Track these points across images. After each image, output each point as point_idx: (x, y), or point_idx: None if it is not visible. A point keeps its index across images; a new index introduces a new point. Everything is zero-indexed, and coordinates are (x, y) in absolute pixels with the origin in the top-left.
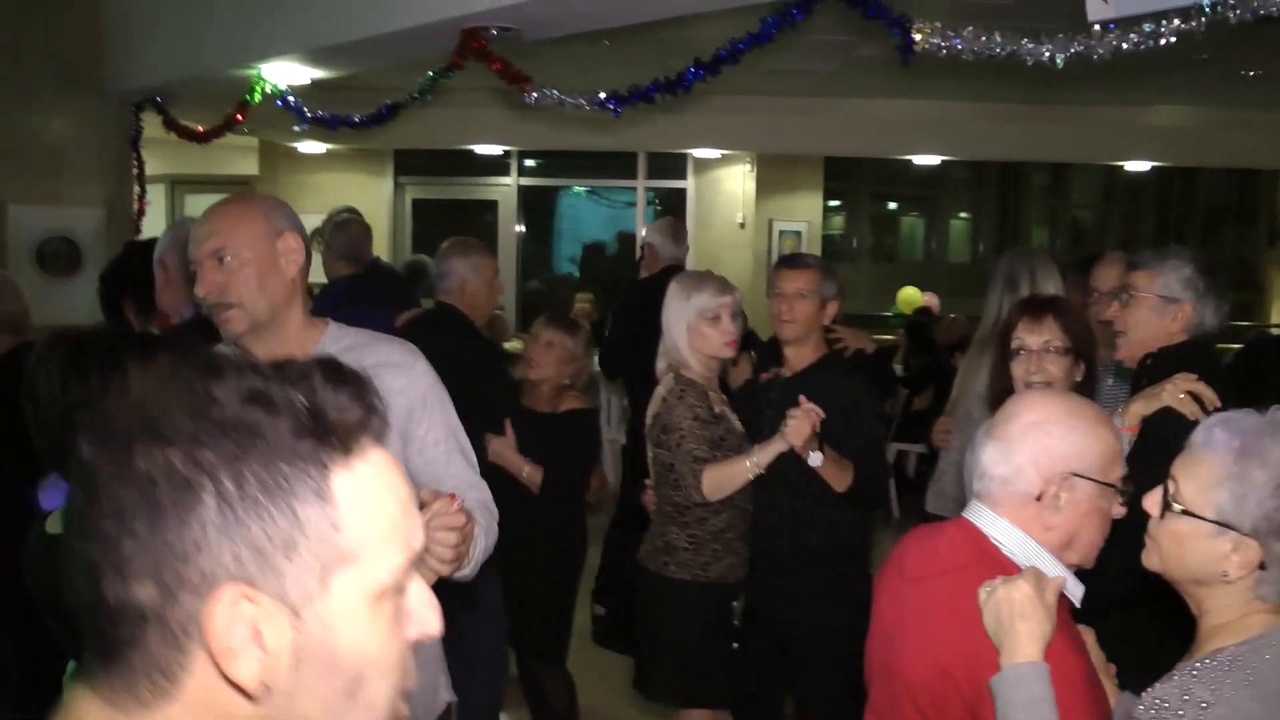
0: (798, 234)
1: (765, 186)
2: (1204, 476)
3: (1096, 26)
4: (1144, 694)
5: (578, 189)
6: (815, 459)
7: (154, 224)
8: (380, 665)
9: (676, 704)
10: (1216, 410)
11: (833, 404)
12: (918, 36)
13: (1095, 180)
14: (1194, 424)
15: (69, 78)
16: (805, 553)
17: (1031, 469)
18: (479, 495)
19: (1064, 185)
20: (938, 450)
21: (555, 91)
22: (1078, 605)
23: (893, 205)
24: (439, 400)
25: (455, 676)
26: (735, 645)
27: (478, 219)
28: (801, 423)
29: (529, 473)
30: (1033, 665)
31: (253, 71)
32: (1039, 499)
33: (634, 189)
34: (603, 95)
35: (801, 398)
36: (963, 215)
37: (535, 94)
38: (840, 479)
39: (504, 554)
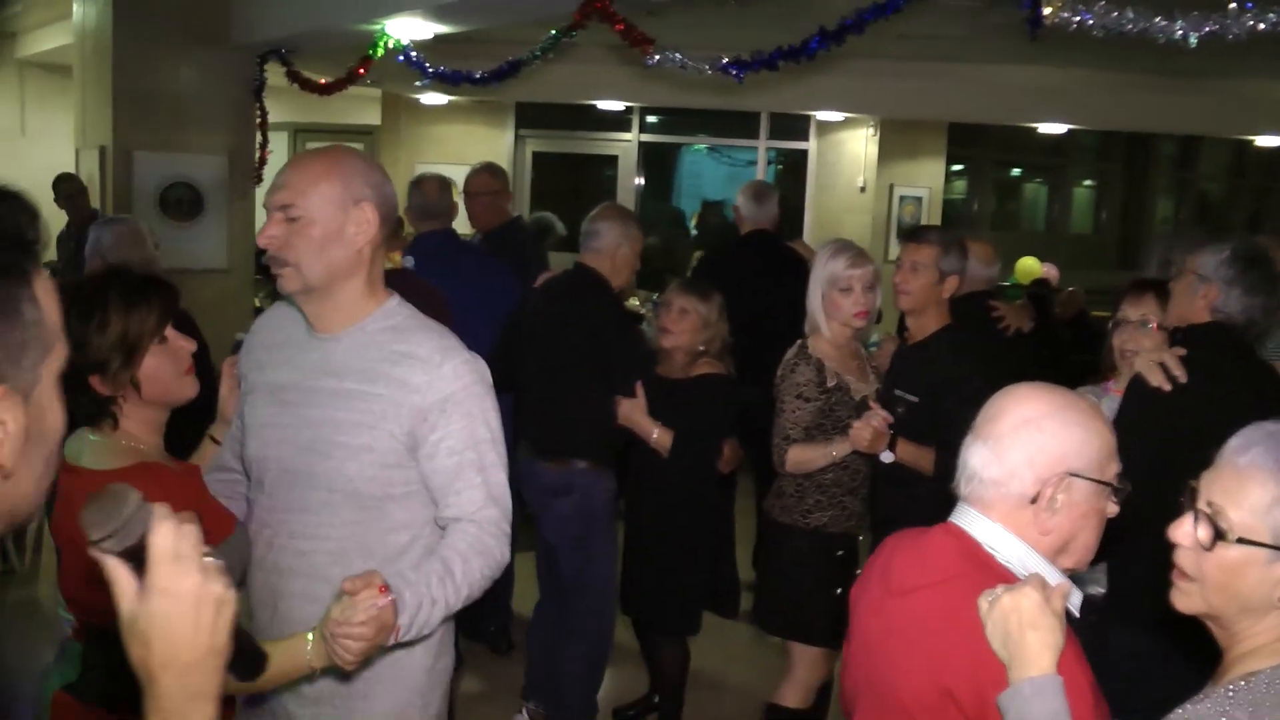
0: (918, 200)
1: (887, 151)
2: (1255, 498)
3: (1233, 4)
4: (1173, 714)
5: (699, 147)
6: (886, 457)
7: (275, 171)
8: (60, 432)
9: (782, 635)
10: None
11: (936, 378)
12: (1047, 10)
13: (1225, 153)
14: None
15: (194, 29)
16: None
17: (1026, 469)
18: (476, 531)
19: (1192, 157)
20: None
21: (678, 54)
22: (1076, 614)
23: (1016, 172)
24: (465, 408)
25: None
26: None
27: (598, 174)
28: (861, 430)
29: (658, 436)
30: (1049, 678)
31: (376, 26)
32: (1034, 501)
33: (755, 149)
34: (725, 60)
35: (872, 402)
36: (1087, 184)
37: (657, 56)
38: (924, 465)
39: (634, 518)
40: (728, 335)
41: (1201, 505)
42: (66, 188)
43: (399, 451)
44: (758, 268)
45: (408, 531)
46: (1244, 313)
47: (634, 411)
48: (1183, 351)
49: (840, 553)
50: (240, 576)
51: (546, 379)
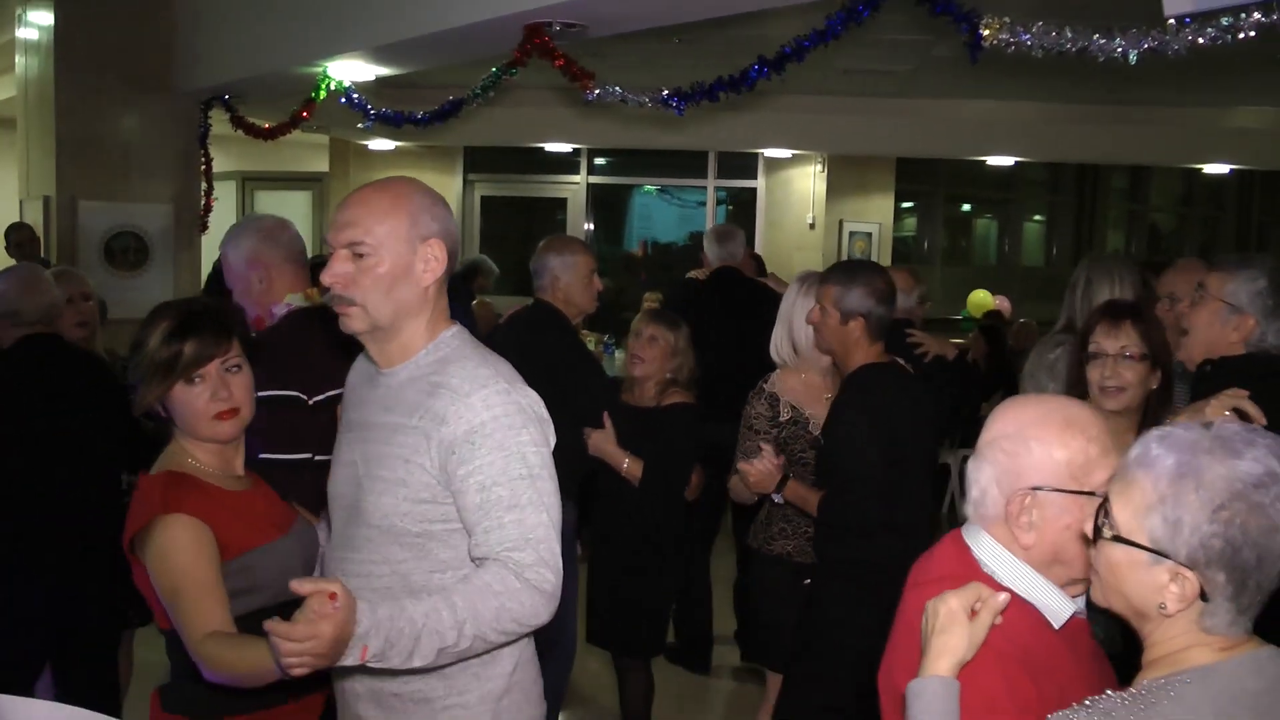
0: (869, 235)
1: (836, 187)
2: (1137, 500)
3: (1172, 21)
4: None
5: (649, 188)
6: (777, 498)
7: (222, 220)
8: None
9: (755, 661)
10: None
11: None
12: (986, 32)
13: (1174, 183)
14: None
15: (138, 76)
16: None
17: (994, 489)
18: (498, 571)
19: (1142, 188)
20: None
21: (618, 88)
22: (1056, 626)
23: (966, 207)
24: (495, 441)
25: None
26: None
27: (547, 217)
28: (746, 470)
29: (629, 465)
30: (932, 680)
31: (318, 69)
32: (1007, 519)
33: (704, 188)
34: (665, 92)
35: (762, 444)
36: (1037, 218)
37: (597, 90)
38: (810, 507)
39: (603, 547)
40: (694, 365)
41: (1104, 503)
42: (17, 235)
43: (433, 486)
44: (725, 305)
45: (455, 572)
46: None
47: (604, 442)
48: (1245, 393)
49: (808, 581)
50: (277, 587)
51: None
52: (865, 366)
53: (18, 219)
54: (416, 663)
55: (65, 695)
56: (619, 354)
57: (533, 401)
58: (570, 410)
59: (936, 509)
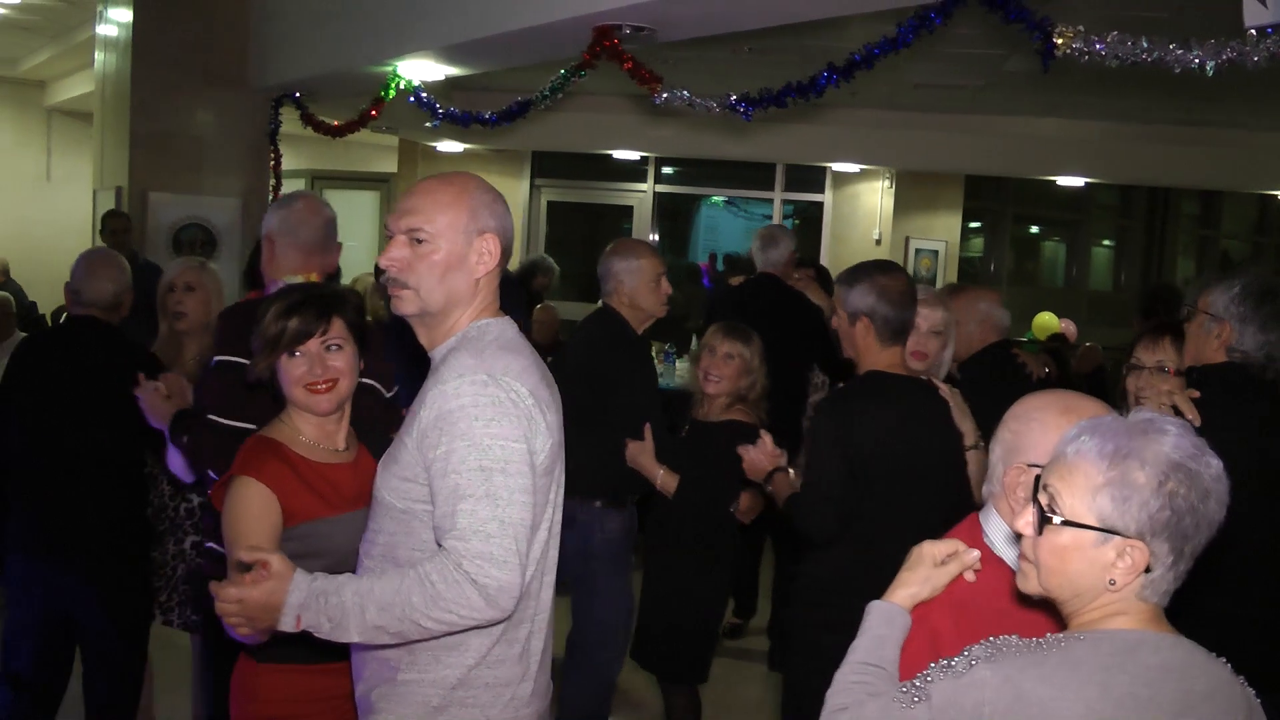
0: (934, 253)
1: (903, 203)
2: (1082, 484)
3: (1252, 33)
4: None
5: (715, 199)
6: (769, 488)
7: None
8: None
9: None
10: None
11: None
12: (1059, 41)
13: (1247, 210)
14: None
15: (211, 73)
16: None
17: (999, 466)
18: (441, 562)
19: (1214, 214)
20: None
21: (685, 92)
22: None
23: (1034, 229)
24: (460, 429)
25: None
26: None
27: (613, 224)
28: (743, 453)
29: (663, 479)
30: (888, 605)
31: (388, 68)
32: (1005, 493)
33: (771, 201)
34: (733, 98)
35: (764, 436)
36: (1106, 243)
37: (665, 94)
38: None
39: (652, 563)
40: (766, 381)
41: (1040, 494)
42: (112, 224)
43: (413, 466)
44: (761, 313)
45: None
46: (1260, 349)
47: (640, 454)
48: (1196, 394)
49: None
50: (339, 555)
51: (568, 416)
52: (867, 373)
53: (92, 209)
54: (354, 636)
55: (92, 689)
56: (680, 364)
57: (518, 396)
58: (610, 418)
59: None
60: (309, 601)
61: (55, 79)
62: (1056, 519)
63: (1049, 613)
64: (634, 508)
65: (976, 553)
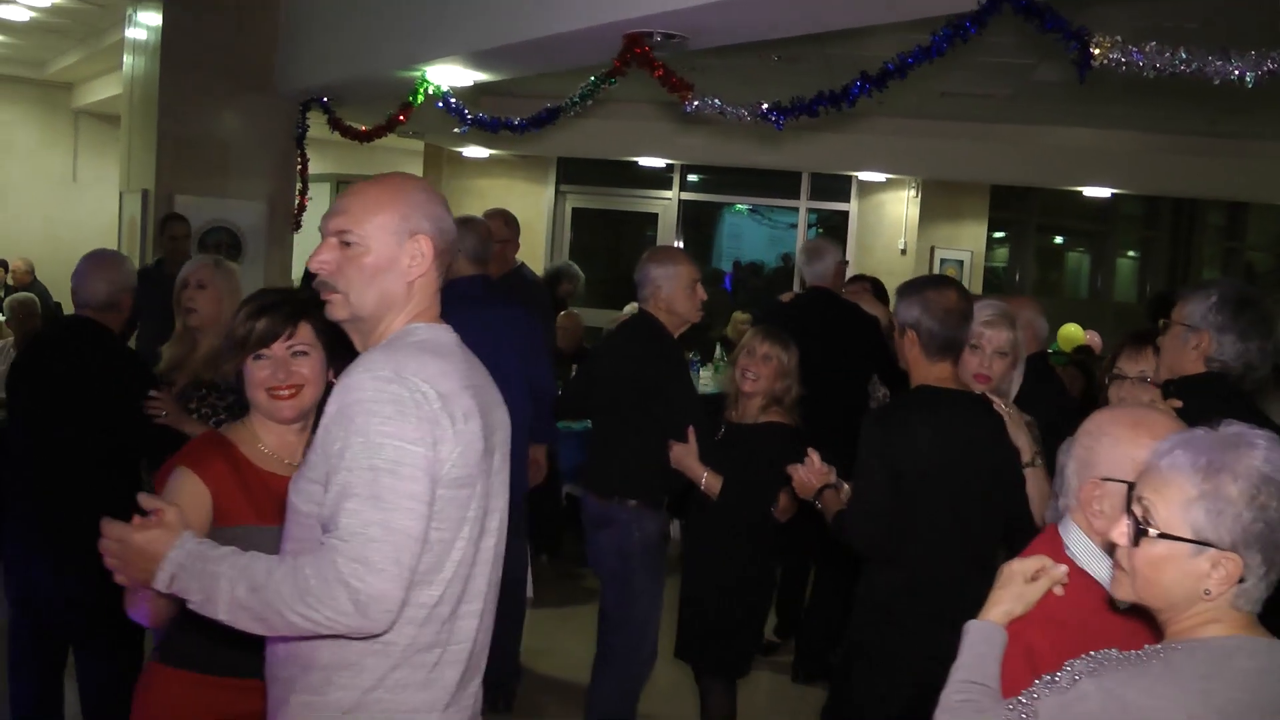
0: (960, 263)
1: (929, 213)
2: (1176, 497)
3: None
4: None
5: (740, 207)
6: (819, 505)
7: (314, 220)
8: None
9: None
10: None
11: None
12: (1096, 51)
13: (1272, 222)
14: None
15: (239, 76)
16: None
17: (1073, 479)
18: (312, 558)
19: (1240, 226)
20: None
21: (717, 100)
22: (1122, 608)
23: (1058, 239)
24: (356, 425)
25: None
26: None
27: (637, 231)
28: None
29: (707, 480)
30: (984, 624)
31: (417, 73)
32: (1081, 507)
33: (795, 209)
34: (765, 106)
35: (812, 455)
36: (1130, 254)
37: (696, 102)
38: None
39: (693, 562)
40: (800, 388)
41: (1134, 506)
42: (173, 228)
43: (318, 467)
44: (816, 327)
45: None
46: (1239, 358)
47: (685, 456)
48: (1178, 404)
49: None
50: None
51: (603, 417)
52: (915, 387)
53: (118, 211)
54: (221, 613)
55: (87, 682)
56: (704, 371)
57: (425, 398)
58: (656, 422)
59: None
60: (187, 563)
61: (83, 81)
62: (1153, 531)
63: (1142, 620)
64: (666, 510)
65: (1064, 568)
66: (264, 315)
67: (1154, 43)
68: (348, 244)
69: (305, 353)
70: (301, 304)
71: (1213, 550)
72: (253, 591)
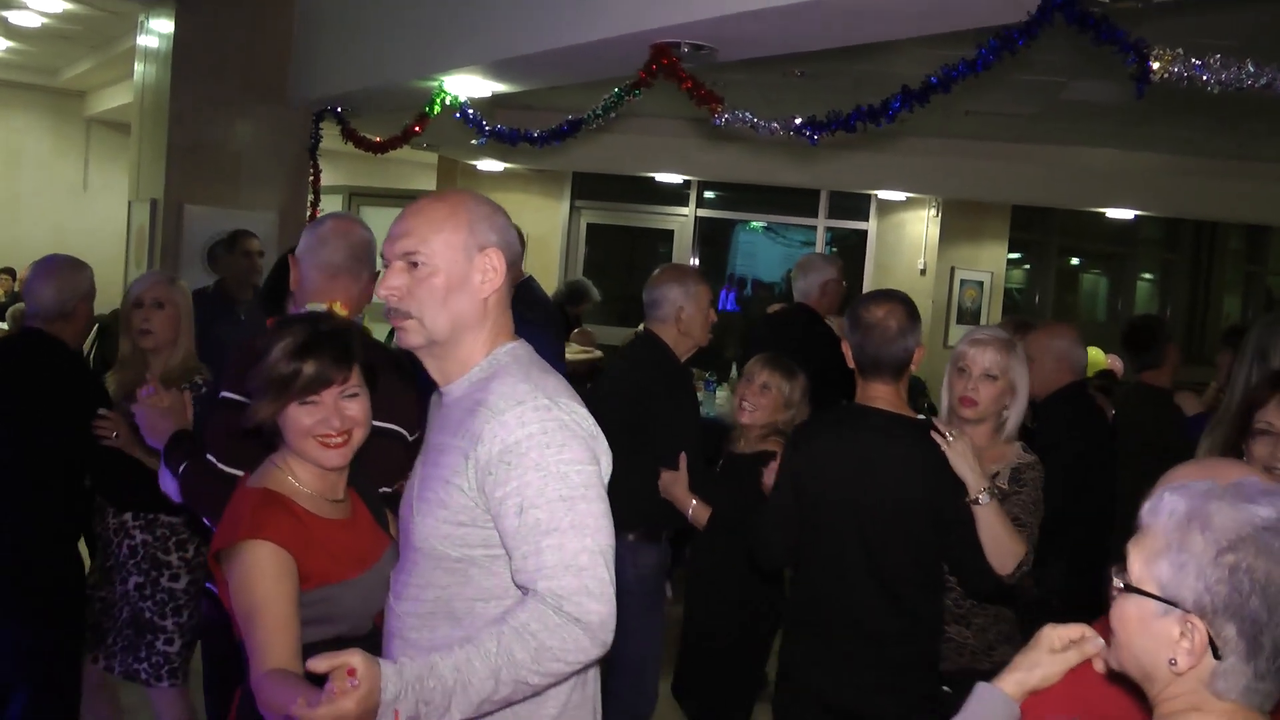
0: (980, 284)
1: (950, 233)
2: (1148, 547)
3: None
4: None
5: (754, 224)
6: None
7: None
8: None
9: None
10: None
11: None
12: (1156, 65)
13: None
14: None
15: (253, 85)
16: None
17: None
18: (536, 608)
19: (1261, 250)
20: None
21: (748, 114)
22: None
23: (1075, 261)
24: (531, 460)
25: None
26: None
27: (652, 248)
28: None
29: (695, 510)
30: (992, 691)
31: (434, 83)
32: None
33: (813, 228)
34: (799, 121)
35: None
36: (1147, 276)
37: (726, 116)
38: None
39: (693, 597)
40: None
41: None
42: (246, 242)
43: (471, 510)
44: (788, 342)
45: (498, 602)
46: None
47: (673, 484)
48: None
49: (947, 689)
50: (355, 618)
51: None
52: (841, 404)
53: (126, 220)
54: (455, 716)
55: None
56: (719, 392)
57: (579, 418)
58: (651, 448)
59: None
60: (405, 692)
61: (95, 89)
62: (1119, 583)
63: None
64: (668, 543)
65: (1101, 642)
66: (310, 356)
67: (1218, 56)
68: (415, 265)
69: (356, 394)
70: (350, 339)
71: (1179, 611)
72: (488, 679)
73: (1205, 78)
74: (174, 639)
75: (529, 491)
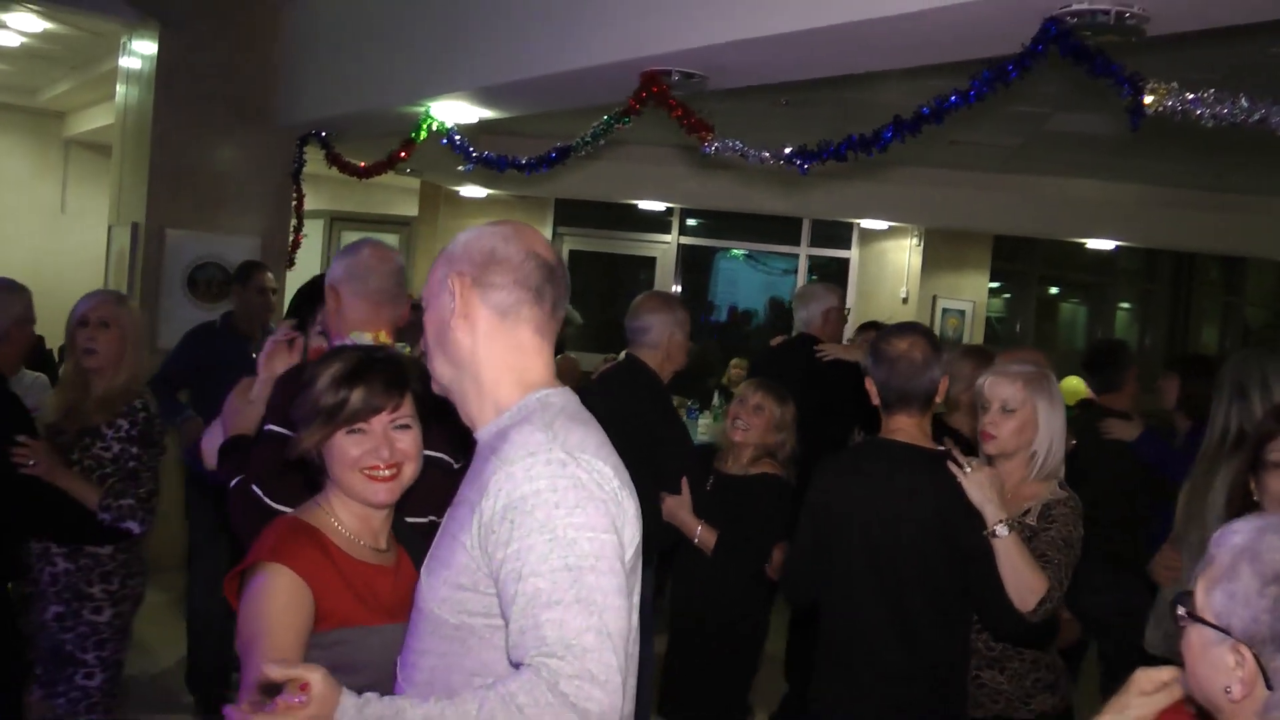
0: (962, 313)
1: (931, 262)
2: (1208, 577)
3: None
4: None
5: (735, 252)
6: None
7: (308, 257)
8: None
9: None
10: None
11: None
12: (1149, 100)
13: (1270, 277)
14: None
15: (236, 109)
16: None
17: None
18: (529, 678)
19: (1239, 280)
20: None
21: (739, 143)
22: None
23: (1055, 290)
24: (537, 520)
25: None
26: None
27: (634, 274)
28: None
29: (702, 534)
30: None
31: (421, 109)
32: None
33: (794, 256)
34: (789, 150)
35: None
36: (1124, 305)
37: (716, 144)
38: None
39: (680, 620)
40: (796, 444)
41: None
42: (260, 278)
43: (473, 571)
44: (793, 372)
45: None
46: None
47: (679, 509)
48: None
49: None
50: (382, 669)
51: None
52: (863, 439)
53: (106, 244)
54: None
55: None
56: (702, 420)
57: (601, 478)
58: (651, 473)
59: None
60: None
61: (75, 110)
62: (1183, 610)
63: None
64: (653, 568)
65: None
66: (359, 383)
67: (1212, 90)
68: (421, 309)
69: (408, 425)
70: (401, 365)
71: (1230, 639)
72: None
73: (1200, 112)
74: (94, 673)
75: (531, 556)
